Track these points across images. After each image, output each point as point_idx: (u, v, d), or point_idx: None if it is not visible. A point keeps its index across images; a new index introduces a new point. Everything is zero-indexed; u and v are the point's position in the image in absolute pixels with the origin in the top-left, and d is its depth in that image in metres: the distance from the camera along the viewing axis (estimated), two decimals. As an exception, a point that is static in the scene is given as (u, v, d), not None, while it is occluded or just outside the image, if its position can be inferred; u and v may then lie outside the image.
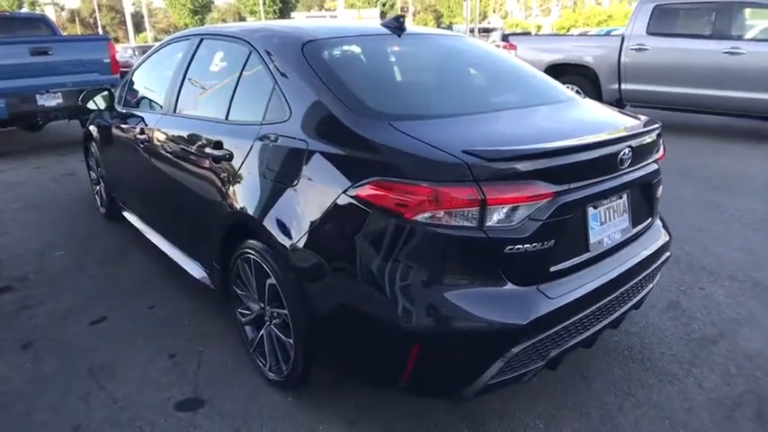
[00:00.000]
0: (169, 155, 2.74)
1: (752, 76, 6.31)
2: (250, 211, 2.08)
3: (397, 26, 2.46)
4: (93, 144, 4.16)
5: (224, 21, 56.50)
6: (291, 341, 2.04)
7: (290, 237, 1.91)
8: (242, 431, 2.03)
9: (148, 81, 3.40)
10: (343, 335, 1.84)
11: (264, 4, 39.71)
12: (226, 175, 2.26)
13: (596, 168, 1.84)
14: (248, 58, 2.34)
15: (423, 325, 1.65)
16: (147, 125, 3.01)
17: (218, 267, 2.45)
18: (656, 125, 2.12)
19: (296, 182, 1.90)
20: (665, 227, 2.37)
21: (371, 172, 1.68)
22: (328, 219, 1.80)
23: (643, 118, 2.22)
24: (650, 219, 2.23)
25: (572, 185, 1.74)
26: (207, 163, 2.39)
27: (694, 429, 2.02)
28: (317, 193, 1.84)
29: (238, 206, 2.16)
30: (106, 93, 3.57)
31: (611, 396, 2.21)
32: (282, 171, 1.97)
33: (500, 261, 1.65)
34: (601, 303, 1.90)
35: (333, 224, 1.80)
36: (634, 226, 2.10)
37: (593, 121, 2.16)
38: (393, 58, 2.39)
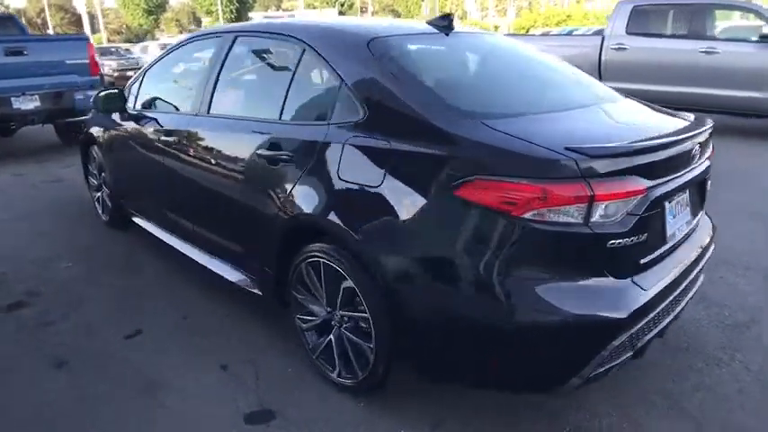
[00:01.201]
0: (205, 158, 2.63)
1: (726, 74, 6.61)
2: (322, 214, 2.02)
3: (445, 25, 2.44)
4: (96, 148, 3.96)
5: (178, 21, 54.93)
6: (372, 345, 1.99)
7: (375, 239, 1.86)
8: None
9: (169, 81, 3.26)
10: (442, 336, 1.80)
11: (222, 3, 38.82)
12: (285, 177, 2.19)
13: (676, 164, 1.89)
14: (302, 57, 2.27)
15: (529, 321, 1.65)
16: (173, 127, 2.88)
17: (272, 273, 2.37)
18: (711, 123, 2.20)
19: (380, 182, 1.86)
20: (709, 218, 2.46)
21: (471, 171, 1.66)
22: (422, 218, 1.77)
23: (691, 116, 2.29)
24: (702, 211, 2.32)
25: (659, 181, 1.79)
26: (258, 165, 2.31)
27: (751, 408, 2.11)
28: (406, 193, 1.80)
29: (305, 209, 2.09)
30: (117, 93, 3.39)
31: (670, 383, 2.27)
32: (362, 172, 1.92)
33: (602, 256, 1.68)
34: (677, 292, 1.96)
35: (427, 224, 1.77)
36: (693, 218, 2.17)
37: (658, 120, 2.21)
38: (455, 57, 2.37)
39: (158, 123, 3.06)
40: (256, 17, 56.11)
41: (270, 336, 2.62)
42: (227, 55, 2.66)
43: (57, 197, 5.05)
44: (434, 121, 1.80)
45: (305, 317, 2.30)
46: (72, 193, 5.05)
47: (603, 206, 1.63)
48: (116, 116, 3.55)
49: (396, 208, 1.82)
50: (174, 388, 2.27)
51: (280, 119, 2.29)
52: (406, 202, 1.80)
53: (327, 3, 61.40)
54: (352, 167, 1.96)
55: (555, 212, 1.60)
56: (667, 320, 1.98)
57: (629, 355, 1.83)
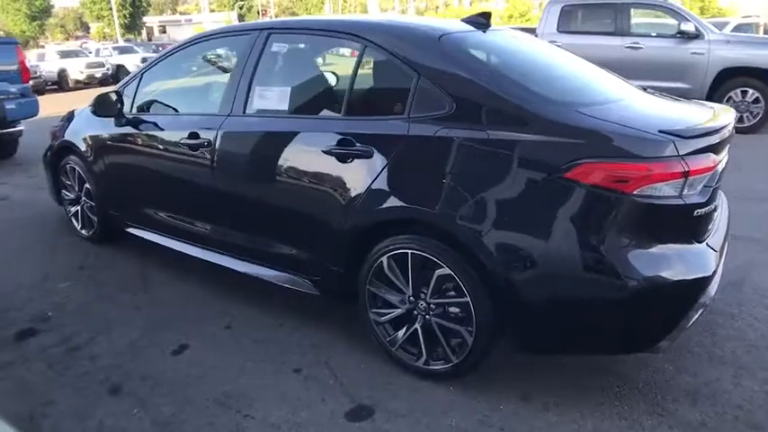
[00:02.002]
0: (248, 160, 2.54)
1: (650, 67, 7.32)
2: (416, 206, 2.06)
3: (484, 22, 2.54)
4: (74, 158, 3.64)
5: (63, 27, 50.61)
6: (471, 328, 2.06)
7: (480, 225, 1.93)
8: (432, 426, 2.01)
9: (180, 82, 3.08)
10: (554, 310, 1.91)
11: (116, 8, 36.30)
12: (360, 172, 2.18)
13: (724, 143, 2.14)
14: (363, 53, 2.28)
15: (638, 288, 1.81)
16: (198, 129, 2.73)
17: (340, 271, 2.36)
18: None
19: (481, 171, 1.94)
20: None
21: (580, 154, 1.80)
22: (530, 202, 1.88)
23: (710, 103, 2.58)
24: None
25: (720, 157, 2.03)
26: (323, 163, 2.28)
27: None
28: (511, 180, 1.89)
29: (392, 202, 2.11)
30: (114, 96, 3.13)
31: (701, 336, 2.52)
32: (460, 162, 1.99)
33: (690, 224, 1.89)
34: (724, 253, 2.22)
35: (537, 206, 1.87)
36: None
37: (694, 107, 2.45)
38: (510, 52, 2.46)
39: (174, 126, 2.89)
40: (151, 21, 53.21)
41: (329, 335, 2.59)
42: (261, 53, 2.58)
43: (12, 217, 4.55)
44: (534, 110, 1.92)
45: (381, 310, 2.30)
46: (25, 213, 4.58)
47: (692, 180, 1.83)
48: (107, 121, 3.29)
49: (502, 194, 1.91)
50: (253, 397, 2.19)
51: (345, 115, 2.28)
52: (513, 188, 1.90)
53: (225, 6, 59.64)
54: (446, 158, 2.01)
55: (657, 188, 1.78)
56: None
57: (701, 312, 2.05)
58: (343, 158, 2.23)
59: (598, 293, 1.85)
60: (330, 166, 2.27)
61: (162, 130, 2.97)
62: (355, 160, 2.20)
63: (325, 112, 2.33)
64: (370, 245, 2.24)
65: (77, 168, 3.65)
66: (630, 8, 7.59)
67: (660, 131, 1.82)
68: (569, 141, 1.84)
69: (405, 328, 2.26)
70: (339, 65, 2.80)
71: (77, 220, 3.86)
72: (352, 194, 2.22)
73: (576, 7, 7.90)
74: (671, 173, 1.77)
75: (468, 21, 2.58)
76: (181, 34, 45.43)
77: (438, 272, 2.08)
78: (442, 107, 2.05)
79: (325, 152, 2.26)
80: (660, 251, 1.85)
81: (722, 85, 7.00)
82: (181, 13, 61.56)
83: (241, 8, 60.58)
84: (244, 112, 2.59)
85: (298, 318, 2.75)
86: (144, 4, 46.22)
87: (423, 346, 2.21)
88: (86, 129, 3.52)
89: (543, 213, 1.87)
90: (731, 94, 6.99)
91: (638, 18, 7.70)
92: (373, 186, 2.16)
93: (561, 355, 2.26)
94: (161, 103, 3.11)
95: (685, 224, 1.89)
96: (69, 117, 3.91)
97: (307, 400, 2.17)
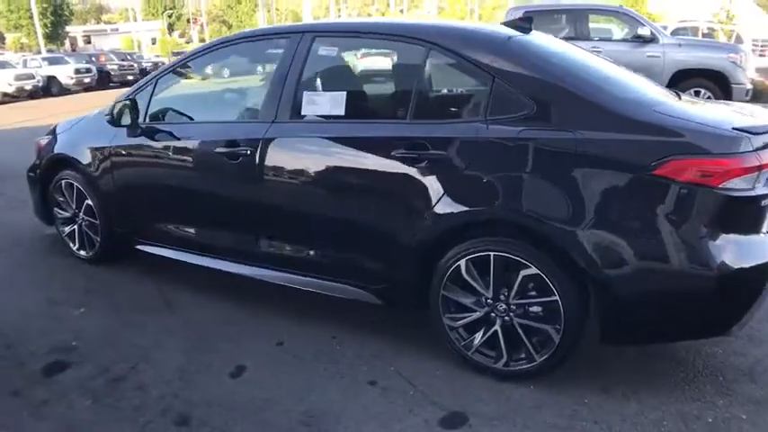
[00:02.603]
0: (302, 168, 2.44)
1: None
2: (501, 208, 2.07)
3: (527, 27, 2.57)
4: (73, 173, 3.36)
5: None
6: (559, 326, 2.06)
7: (571, 223, 1.95)
8: (530, 426, 2.00)
9: (204, 88, 2.91)
10: (643, 302, 1.96)
11: (37, 17, 34.00)
12: (435, 176, 2.15)
13: None
14: (428, 56, 2.25)
15: (724, 277, 1.89)
16: (237, 137, 2.58)
17: (410, 278, 2.30)
18: None
19: (569, 170, 1.96)
20: None
21: (666, 152, 1.86)
22: (620, 199, 1.93)
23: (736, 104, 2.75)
24: None
25: None
26: (390, 167, 2.23)
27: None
28: (600, 178, 1.93)
29: (474, 205, 2.10)
30: (129, 104, 2.91)
31: None
32: (546, 162, 2.01)
33: (758, 214, 1.98)
34: None
35: (626, 203, 1.92)
36: None
37: (733, 107, 2.57)
38: (566, 54, 2.48)
39: (204, 135, 2.72)
40: (74, 31, 50.30)
41: (389, 344, 2.52)
42: (306, 56, 2.49)
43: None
44: (616, 109, 1.97)
45: (456, 315, 2.27)
46: (5, 233, 4.17)
47: (762, 174, 1.92)
48: (115, 132, 3.06)
49: (591, 193, 1.94)
50: (336, 414, 2.09)
51: (413, 118, 2.24)
52: (602, 187, 1.94)
53: (153, 15, 57.52)
54: (532, 159, 2.02)
55: (737, 181, 1.87)
56: None
57: (763, 296, 2.16)
58: (415, 162, 2.18)
59: (686, 284, 1.92)
60: (401, 170, 2.21)
61: (189, 139, 2.79)
62: (429, 164, 2.16)
63: (390, 117, 2.27)
64: (445, 250, 2.20)
65: (75, 184, 3.37)
66: (589, 14, 7.97)
67: (734, 128, 1.91)
68: (656, 140, 1.90)
69: (482, 331, 2.23)
70: (377, 66, 2.75)
71: (73, 241, 3.56)
72: (427, 198, 2.18)
73: (538, 13, 8.20)
74: (749, 167, 1.86)
75: (510, 24, 2.60)
76: (107, 44, 43.30)
77: (523, 272, 2.07)
78: (520, 109, 2.05)
79: (395, 157, 2.21)
80: (737, 241, 1.93)
81: (676, 86, 7.48)
82: (106, 23, 58.68)
83: (170, 16, 58.58)
84: (292, 119, 2.48)
85: (348, 329, 2.66)
86: (66, 14, 43.69)
87: (503, 348, 2.20)
88: (89, 140, 3.26)
89: (634, 210, 1.92)
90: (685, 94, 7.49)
91: (594, 24, 8.11)
92: (452, 189, 2.13)
93: (640, 345, 2.31)
94: (180, 111, 2.92)
95: (755, 215, 1.97)
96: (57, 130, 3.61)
97: (393, 412, 2.10)
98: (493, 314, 2.20)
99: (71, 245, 3.59)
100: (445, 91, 2.27)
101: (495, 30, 2.32)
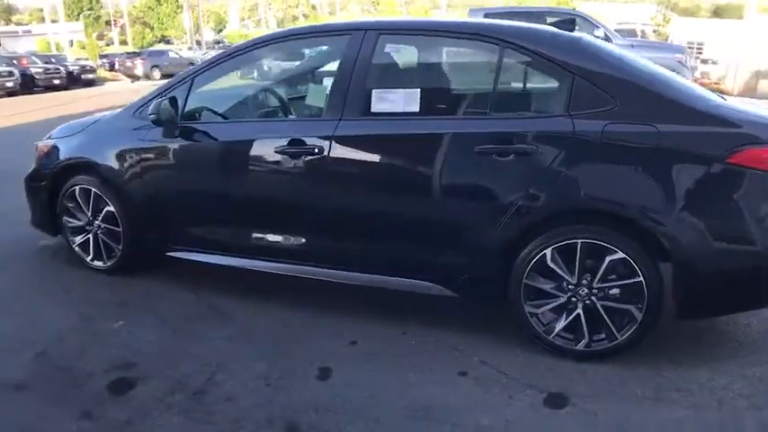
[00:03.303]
0: (381, 164, 2.47)
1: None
2: (592, 198, 2.20)
3: (570, 29, 2.72)
4: (90, 178, 3.15)
5: None
6: (642, 305, 2.21)
7: (658, 210, 2.12)
8: (627, 398, 2.13)
9: (249, 86, 2.83)
10: (722, 279, 2.17)
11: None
12: (523, 169, 2.25)
13: None
14: (502, 55, 2.32)
15: None
16: (304, 135, 2.53)
17: (493, 269, 2.37)
18: None
19: (652, 161, 2.13)
20: None
21: (738, 142, 2.06)
22: (700, 186, 2.12)
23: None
24: None
25: None
26: (477, 162, 2.29)
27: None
28: (681, 167, 2.12)
29: (564, 196, 2.23)
30: (171, 101, 2.75)
31: None
32: (631, 154, 2.16)
33: None
34: None
35: (706, 189, 2.12)
36: None
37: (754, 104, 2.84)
38: (621, 53, 2.62)
39: (258, 133, 2.66)
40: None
41: (463, 336, 2.57)
42: (371, 53, 2.48)
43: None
44: (690, 104, 2.16)
45: (538, 302, 2.36)
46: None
47: None
48: (146, 132, 2.90)
49: (672, 181, 2.12)
50: (441, 406, 2.12)
51: (494, 113, 2.31)
52: (684, 175, 2.12)
53: (69, 17, 54.12)
54: (619, 151, 2.16)
55: None
56: None
57: None
58: (500, 156, 2.26)
59: (758, 260, 2.12)
60: (485, 164, 2.28)
61: (239, 138, 2.71)
62: (515, 157, 2.25)
63: (469, 113, 2.33)
64: (528, 240, 2.29)
65: (93, 189, 3.16)
66: (546, 16, 8.35)
67: None
68: (727, 131, 2.10)
69: (564, 315, 2.33)
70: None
71: (86, 251, 3.33)
72: (512, 191, 2.26)
73: (497, 15, 8.51)
74: None
75: (557, 25, 2.74)
76: (20, 47, 40.18)
77: (609, 257, 2.20)
78: (602, 104, 2.18)
79: (479, 151, 2.27)
80: None
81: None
82: (17, 24, 54.48)
83: (87, 17, 55.23)
84: (363, 116, 2.48)
85: (416, 324, 2.68)
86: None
87: (585, 330, 2.31)
88: (111, 142, 3.07)
89: (711, 195, 2.11)
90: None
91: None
92: (538, 181, 2.23)
93: (712, 317, 2.51)
94: (224, 110, 2.82)
95: None
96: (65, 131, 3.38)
97: (494, 399, 2.15)
98: (575, 299, 2.31)
99: (84, 256, 3.36)
100: (523, 87, 2.36)
101: (563, 32, 2.43)
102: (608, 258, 2.20)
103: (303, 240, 2.69)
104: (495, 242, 2.33)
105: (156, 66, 25.23)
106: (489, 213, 2.31)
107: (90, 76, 23.11)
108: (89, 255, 3.34)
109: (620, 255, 2.17)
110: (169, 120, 2.73)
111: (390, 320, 2.71)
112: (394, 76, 2.62)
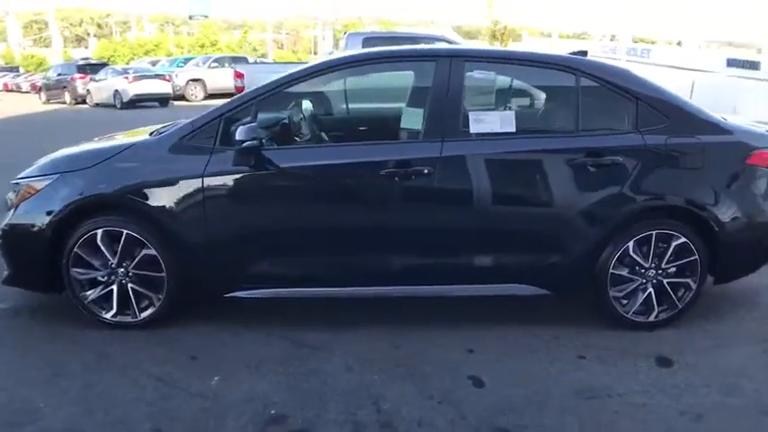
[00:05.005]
0: (491, 180, 2.71)
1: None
2: (674, 198, 2.79)
3: (585, 53, 3.29)
4: (123, 219, 2.73)
5: None
6: (695, 277, 2.84)
7: (710, 203, 2.79)
8: (711, 352, 2.73)
9: (338, 109, 2.77)
10: (752, 248, 2.93)
11: None
12: (612, 177, 2.73)
13: None
14: (578, 81, 2.77)
15: None
16: (410, 156, 2.66)
17: (584, 265, 2.80)
18: None
19: (701, 165, 2.80)
20: None
21: (752, 147, 2.83)
22: (732, 180, 2.84)
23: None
24: None
25: None
26: (573, 173, 2.70)
27: None
28: (719, 169, 2.82)
29: (647, 197, 2.76)
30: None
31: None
32: (687, 160, 2.79)
33: None
34: None
35: (737, 182, 2.85)
36: None
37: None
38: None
39: (352, 156, 2.71)
40: None
41: (554, 326, 2.92)
42: (461, 78, 2.71)
43: None
44: (712, 120, 2.88)
45: (620, 286, 2.85)
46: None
47: None
48: (204, 159, 2.66)
49: (714, 178, 2.83)
50: (596, 385, 2.45)
51: (580, 132, 2.74)
52: (719, 174, 2.83)
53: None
54: (678, 159, 2.79)
55: None
56: None
57: None
58: (592, 168, 2.70)
59: None
60: (580, 175, 2.71)
61: (333, 162, 2.71)
62: (603, 168, 2.71)
63: (559, 131, 2.70)
64: (613, 236, 2.77)
65: (126, 231, 2.71)
66: (418, 40, 9.12)
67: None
68: (738, 140, 2.87)
69: (640, 295, 2.86)
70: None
71: (105, 306, 2.82)
72: (602, 197, 2.73)
73: (377, 39, 8.99)
74: None
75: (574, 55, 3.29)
76: None
77: (675, 242, 2.79)
78: (658, 123, 2.78)
79: (571, 164, 2.69)
80: None
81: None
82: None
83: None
84: (464, 137, 2.68)
85: (511, 324, 2.95)
86: None
87: (654, 304, 2.87)
88: (154, 172, 2.70)
89: (741, 187, 2.84)
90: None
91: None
92: (622, 187, 2.73)
93: (740, 278, 3.12)
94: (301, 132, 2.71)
95: None
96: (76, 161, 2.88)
97: (620, 371, 2.57)
98: (645, 279, 2.86)
99: (99, 312, 2.83)
100: (598, 109, 2.81)
101: (612, 64, 2.97)
102: (673, 243, 2.80)
103: (410, 260, 2.77)
104: (591, 241, 2.76)
105: None
106: (584, 217, 2.74)
107: None
108: (109, 310, 2.83)
109: (683, 240, 2.79)
110: (257, 146, 2.54)
111: (483, 325, 2.93)
112: (485, 99, 2.87)
